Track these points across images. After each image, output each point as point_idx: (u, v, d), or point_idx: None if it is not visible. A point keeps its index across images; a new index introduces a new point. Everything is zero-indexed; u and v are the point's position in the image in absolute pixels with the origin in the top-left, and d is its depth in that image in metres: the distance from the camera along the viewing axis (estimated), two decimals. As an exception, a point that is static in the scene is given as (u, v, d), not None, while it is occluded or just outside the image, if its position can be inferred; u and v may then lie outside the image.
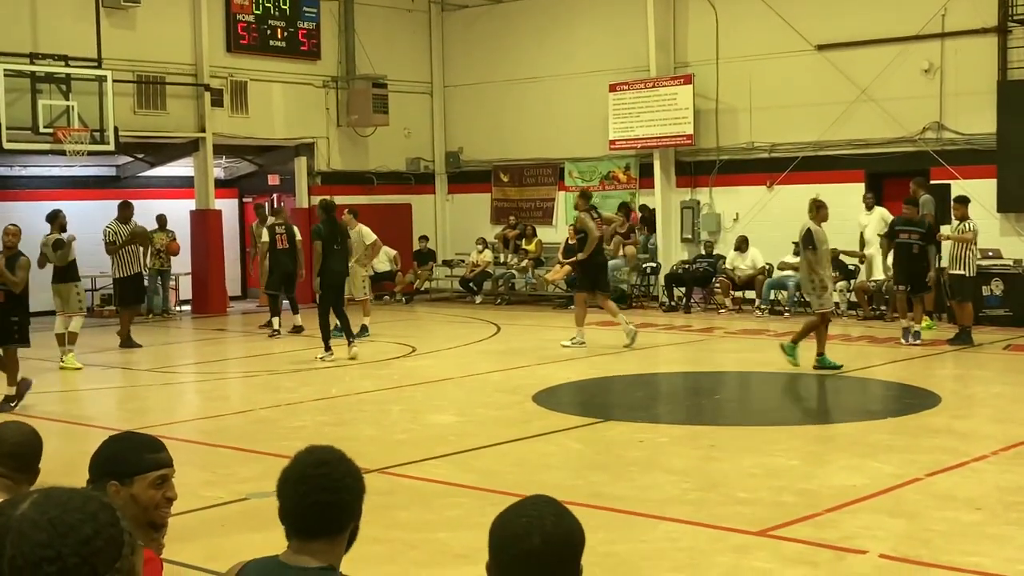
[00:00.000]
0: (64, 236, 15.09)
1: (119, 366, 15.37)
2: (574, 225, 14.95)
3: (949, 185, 17.82)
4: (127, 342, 16.60)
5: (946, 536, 6.81)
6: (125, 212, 17.25)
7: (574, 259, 15.76)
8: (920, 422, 10.43)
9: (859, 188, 19.60)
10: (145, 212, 22.46)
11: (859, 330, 17.26)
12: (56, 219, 15.29)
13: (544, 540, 2.30)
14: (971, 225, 15.49)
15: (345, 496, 2.72)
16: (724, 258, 20.43)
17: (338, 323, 15.06)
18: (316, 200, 17.77)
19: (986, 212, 17.48)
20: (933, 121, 18.76)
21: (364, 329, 17.09)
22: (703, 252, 20.88)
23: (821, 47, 19.78)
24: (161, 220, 21.15)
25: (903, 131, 18.99)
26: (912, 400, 11.60)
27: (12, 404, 11.64)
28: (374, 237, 17.66)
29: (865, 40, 19.31)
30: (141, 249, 17.44)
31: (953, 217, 16.03)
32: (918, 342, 15.17)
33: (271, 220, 18.65)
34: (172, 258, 21.14)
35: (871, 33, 19.24)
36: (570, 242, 22.13)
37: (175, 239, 21.12)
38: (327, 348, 14.85)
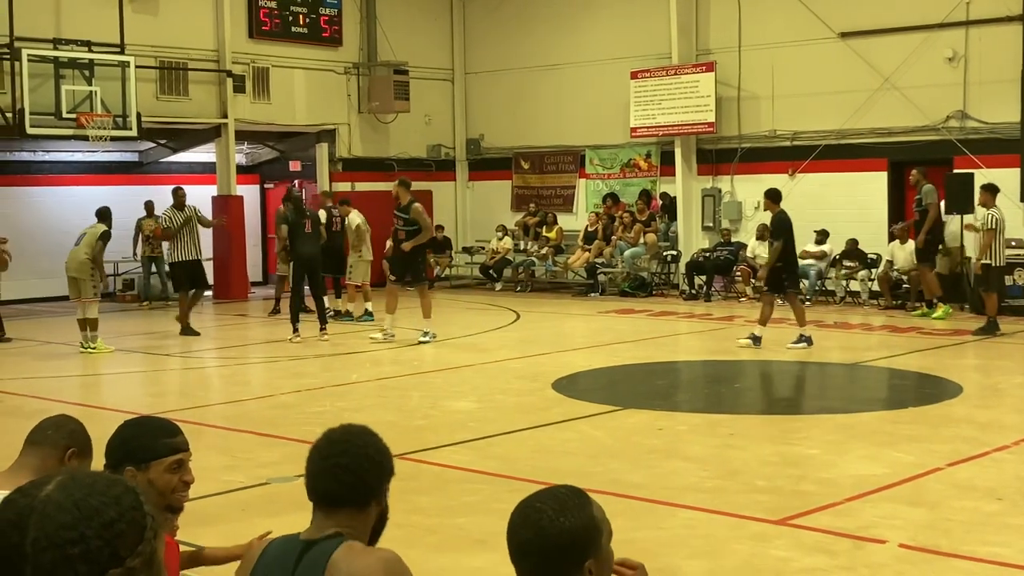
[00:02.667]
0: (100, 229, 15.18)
1: (142, 351, 15.47)
2: (406, 215, 14.84)
3: (972, 174, 17.71)
4: (185, 330, 16.29)
5: (966, 526, 6.79)
6: (179, 197, 17.12)
7: (405, 246, 15.30)
8: (941, 412, 10.39)
9: (882, 177, 19.52)
10: (167, 198, 22.62)
11: (881, 319, 17.20)
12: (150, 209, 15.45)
13: (536, 534, 2.28)
14: (994, 215, 15.34)
15: (365, 464, 2.71)
16: (745, 246, 20.37)
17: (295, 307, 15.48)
18: (337, 187, 17.89)
19: (1010, 201, 17.35)
20: (957, 110, 18.63)
21: (367, 314, 17.27)
22: (722, 240, 20.82)
23: (844, 35, 19.66)
24: (149, 206, 21.14)
25: (926, 120, 18.88)
26: (933, 390, 11.56)
27: None
28: (358, 222, 17.81)
29: (889, 28, 19.19)
30: (197, 234, 16.98)
31: (977, 204, 15.93)
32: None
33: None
34: (164, 244, 21.10)
35: (895, 21, 19.12)
36: (588, 230, 22.17)
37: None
38: (295, 330, 15.19)
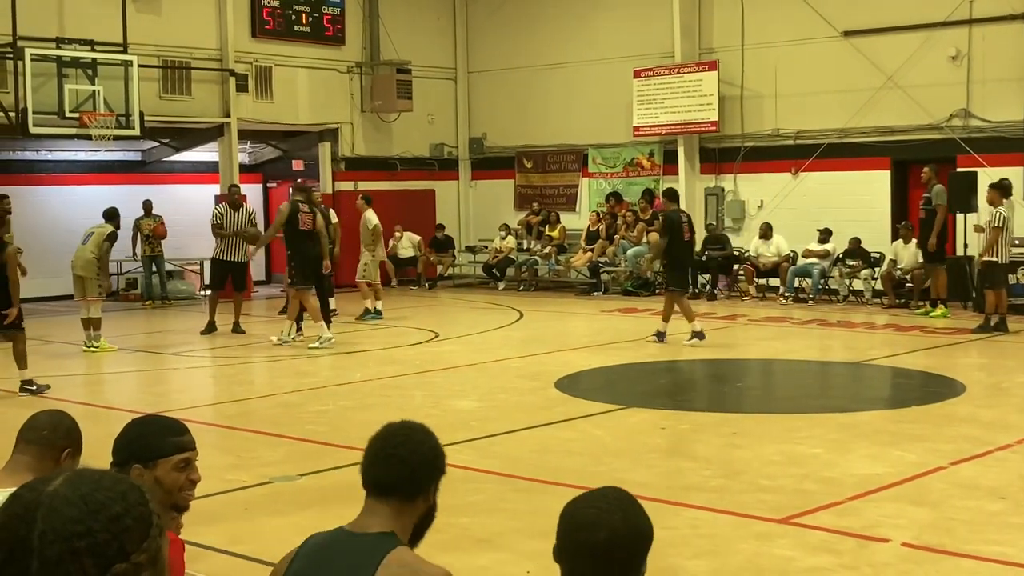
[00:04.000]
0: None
1: (145, 350, 15.48)
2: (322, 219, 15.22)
3: (975, 173, 17.70)
4: (208, 328, 16.23)
5: (969, 525, 6.78)
6: (234, 196, 17.02)
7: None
8: (944, 411, 10.38)
9: (885, 176, 19.51)
10: (170, 197, 22.67)
11: (884, 318, 17.19)
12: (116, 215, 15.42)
13: (611, 535, 2.31)
14: (1002, 212, 15.36)
15: (417, 457, 2.81)
16: (728, 243, 20.39)
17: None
18: (340, 186, 17.85)
19: (1013, 200, 17.34)
20: (960, 108, 18.63)
21: (377, 313, 17.27)
22: (708, 234, 20.69)
23: (847, 33, 19.66)
24: (147, 206, 21.09)
25: (929, 118, 18.87)
26: (937, 389, 11.55)
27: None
28: (375, 223, 17.66)
29: (892, 27, 19.18)
30: (243, 241, 16.68)
31: (986, 202, 15.93)
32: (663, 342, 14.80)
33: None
34: (163, 242, 21.11)
35: (898, 19, 19.11)
36: (591, 229, 22.17)
37: (162, 223, 21.13)
38: (298, 329, 15.12)
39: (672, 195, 15.36)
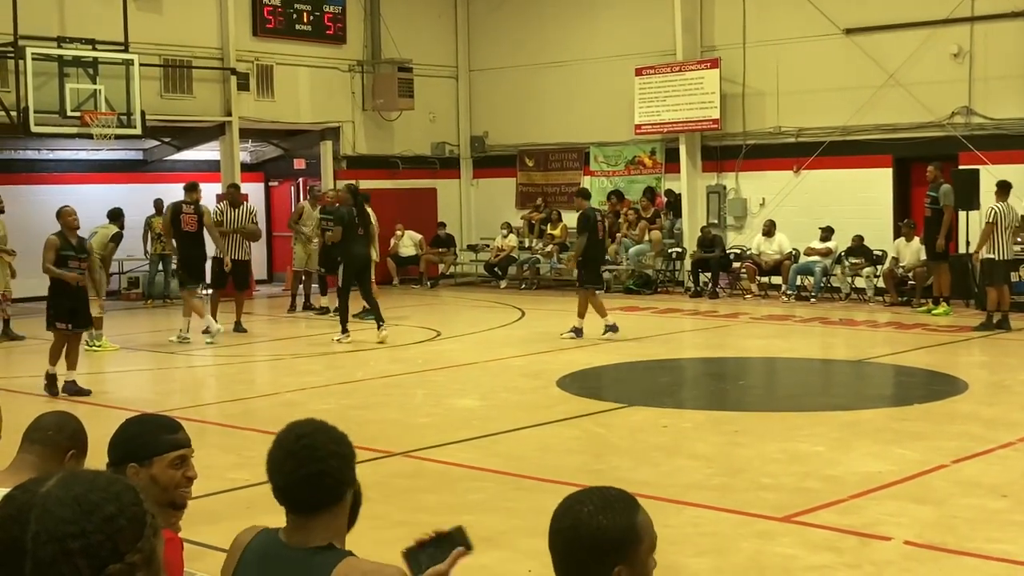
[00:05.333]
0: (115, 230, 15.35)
1: (147, 348, 15.47)
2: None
3: (978, 171, 17.68)
4: (238, 326, 16.23)
5: (972, 523, 6.77)
6: (233, 195, 17.05)
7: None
8: (946, 409, 10.37)
9: (887, 173, 19.49)
10: (171, 196, 22.66)
11: (886, 316, 17.17)
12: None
13: (571, 526, 2.28)
14: (993, 208, 15.40)
15: (332, 463, 2.67)
16: (721, 244, 20.38)
17: (366, 306, 15.17)
18: (342, 185, 17.82)
19: (1014, 198, 17.31)
20: (962, 106, 18.60)
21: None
22: (701, 235, 20.67)
23: (849, 31, 19.63)
24: (158, 204, 21.08)
25: (931, 116, 18.85)
26: (939, 387, 11.54)
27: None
28: (372, 222, 17.64)
29: (894, 24, 19.15)
30: (243, 240, 16.75)
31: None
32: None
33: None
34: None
35: (900, 17, 19.08)
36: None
37: None
38: (344, 330, 14.94)
39: (586, 194, 15.97)
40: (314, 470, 2.64)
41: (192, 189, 15.99)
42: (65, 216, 11.76)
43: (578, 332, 14.90)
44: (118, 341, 15.32)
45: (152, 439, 3.16)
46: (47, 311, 11.71)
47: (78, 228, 11.91)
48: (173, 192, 22.89)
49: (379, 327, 14.93)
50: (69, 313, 11.50)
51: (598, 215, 15.57)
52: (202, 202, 16.31)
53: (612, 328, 14.81)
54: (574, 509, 2.29)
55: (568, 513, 2.30)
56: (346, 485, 2.71)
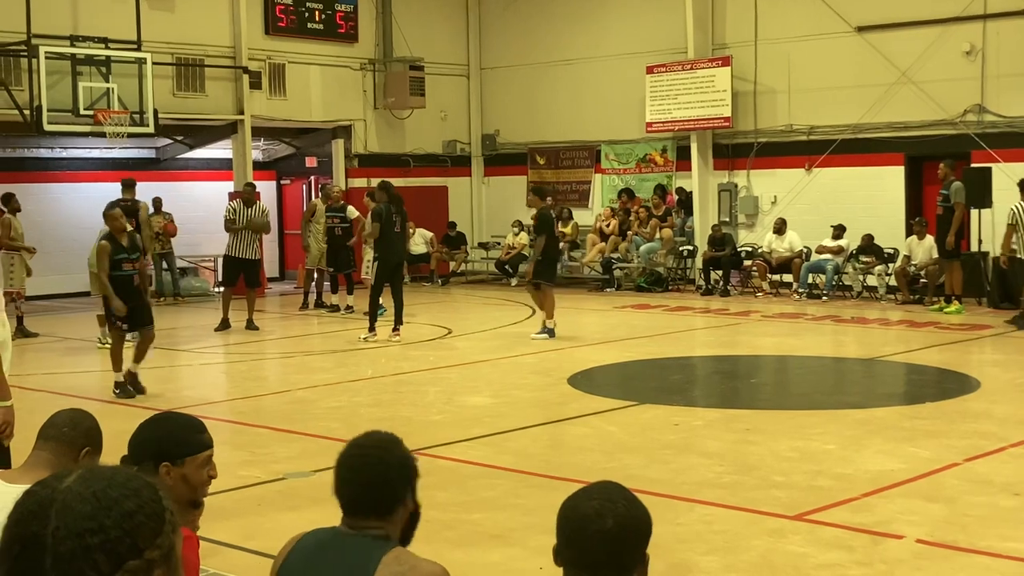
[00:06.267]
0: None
1: (158, 346, 15.50)
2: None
3: (990, 168, 17.63)
4: (222, 324, 16.26)
5: (983, 521, 6.76)
6: (247, 193, 17.13)
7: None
8: (958, 407, 10.35)
9: (899, 171, 19.46)
10: (184, 194, 22.77)
11: (898, 314, 17.14)
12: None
13: (617, 522, 2.38)
14: (1012, 208, 15.40)
15: (389, 475, 2.85)
16: (731, 243, 20.34)
17: (393, 304, 15.12)
18: (353, 183, 17.88)
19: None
20: (974, 103, 18.55)
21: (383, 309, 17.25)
22: (712, 234, 20.63)
23: (861, 29, 19.59)
24: (157, 203, 21.07)
25: (944, 114, 18.80)
26: (951, 385, 11.52)
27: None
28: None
29: (905, 22, 19.10)
30: (253, 237, 16.71)
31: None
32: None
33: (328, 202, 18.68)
34: (173, 240, 21.12)
35: (912, 15, 19.04)
36: (606, 230, 22.16)
37: (172, 220, 21.15)
38: (371, 328, 14.90)
39: (542, 192, 15.90)
40: (368, 478, 2.84)
41: (128, 187, 15.97)
42: (111, 219, 11.55)
43: (550, 333, 14.79)
44: (132, 338, 15.34)
45: (186, 438, 3.20)
46: (106, 311, 11.63)
47: (125, 229, 11.77)
48: (185, 190, 23.07)
49: (395, 328, 14.89)
50: (127, 312, 11.27)
51: (552, 213, 15.41)
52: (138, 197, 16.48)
53: (549, 332, 14.71)
54: (608, 509, 2.39)
55: (604, 514, 2.39)
56: (399, 501, 2.87)
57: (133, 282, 11.44)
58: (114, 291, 11.23)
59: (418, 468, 2.95)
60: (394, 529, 2.85)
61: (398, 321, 14.94)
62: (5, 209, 16.14)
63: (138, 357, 11.49)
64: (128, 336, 11.95)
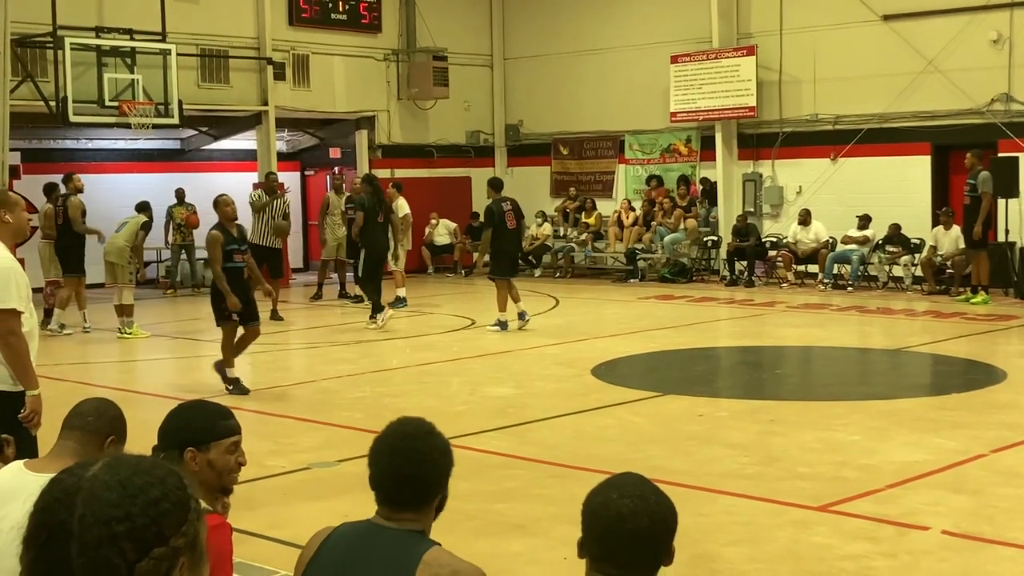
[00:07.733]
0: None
1: (180, 336, 15.60)
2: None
3: (1017, 158, 17.49)
4: (274, 314, 16.19)
5: (1010, 513, 6.72)
6: (270, 182, 17.40)
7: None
8: (985, 398, 10.29)
9: (925, 161, 19.33)
10: (208, 185, 22.81)
11: (924, 305, 17.05)
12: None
13: (652, 520, 2.40)
14: None
15: (431, 469, 2.82)
16: (756, 233, 20.24)
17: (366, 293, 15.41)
18: (376, 173, 17.89)
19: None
20: (1001, 92, 18.40)
21: (401, 300, 17.28)
22: (736, 223, 20.54)
23: (887, 17, 19.45)
24: (179, 194, 21.18)
25: (970, 103, 18.65)
26: (977, 376, 11.45)
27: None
28: (406, 211, 17.73)
29: (932, 10, 18.96)
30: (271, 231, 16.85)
31: None
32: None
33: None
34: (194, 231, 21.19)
35: (938, 3, 18.89)
36: (626, 225, 22.12)
37: (195, 212, 21.21)
38: (378, 308, 15.15)
39: (496, 184, 15.66)
40: (411, 472, 2.79)
41: (65, 180, 15.95)
42: (222, 207, 10.93)
43: (503, 325, 14.80)
44: (146, 329, 15.44)
45: (211, 424, 3.24)
46: (213, 306, 11.01)
47: (236, 218, 11.13)
48: (210, 181, 23.13)
49: (371, 317, 15.16)
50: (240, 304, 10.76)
51: (506, 205, 15.15)
52: (74, 196, 16.09)
53: (502, 325, 14.73)
54: (641, 507, 2.40)
55: (639, 512, 2.39)
56: (437, 492, 2.85)
57: (243, 275, 10.92)
58: (228, 284, 10.62)
59: (452, 456, 2.92)
60: (428, 521, 2.85)
61: (376, 310, 15.17)
62: (47, 198, 16.19)
63: (237, 352, 11.19)
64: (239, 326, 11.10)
